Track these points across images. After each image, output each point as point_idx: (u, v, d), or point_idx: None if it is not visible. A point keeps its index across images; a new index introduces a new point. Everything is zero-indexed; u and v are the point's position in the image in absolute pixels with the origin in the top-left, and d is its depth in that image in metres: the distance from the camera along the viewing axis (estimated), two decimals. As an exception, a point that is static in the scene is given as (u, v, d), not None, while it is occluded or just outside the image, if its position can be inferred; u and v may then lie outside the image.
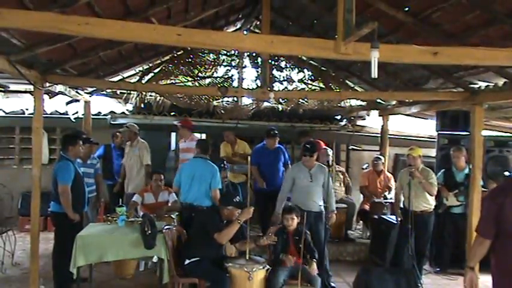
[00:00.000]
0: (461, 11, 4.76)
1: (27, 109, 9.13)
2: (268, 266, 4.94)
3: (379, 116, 9.31)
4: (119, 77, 8.48)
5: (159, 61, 8.99)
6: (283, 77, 9.54)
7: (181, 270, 4.99)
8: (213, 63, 9.51)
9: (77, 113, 8.97)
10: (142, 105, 9.41)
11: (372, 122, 10.14)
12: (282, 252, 5.27)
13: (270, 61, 8.46)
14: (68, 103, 8.55)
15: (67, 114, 9.03)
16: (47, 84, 5.90)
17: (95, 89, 8.15)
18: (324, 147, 7.58)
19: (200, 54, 9.37)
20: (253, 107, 9.57)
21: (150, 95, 9.18)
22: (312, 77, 9.61)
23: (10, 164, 9.39)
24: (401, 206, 6.69)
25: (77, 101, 8.30)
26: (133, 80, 8.86)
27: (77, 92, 7.53)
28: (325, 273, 5.89)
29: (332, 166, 7.50)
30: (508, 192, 3.28)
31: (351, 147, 10.29)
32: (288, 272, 5.07)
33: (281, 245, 5.33)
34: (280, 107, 9.60)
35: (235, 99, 9.42)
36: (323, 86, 9.45)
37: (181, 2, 6.06)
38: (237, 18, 8.85)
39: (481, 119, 6.19)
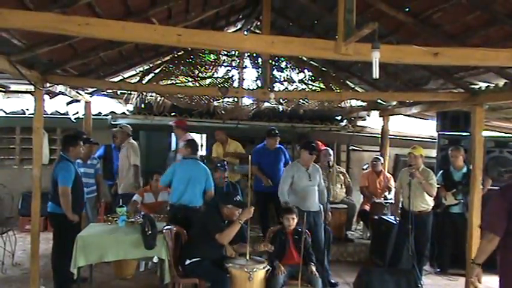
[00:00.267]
0: (461, 11, 4.76)
1: (27, 109, 9.14)
2: (268, 267, 4.95)
3: (380, 116, 9.32)
4: (120, 78, 8.48)
5: (159, 61, 8.98)
6: (284, 78, 9.53)
7: (181, 270, 5.00)
8: (213, 63, 9.49)
9: (77, 113, 8.98)
10: (142, 106, 9.42)
11: (373, 122, 10.14)
12: (280, 252, 5.28)
13: (270, 61, 8.45)
14: (68, 103, 8.55)
15: (67, 115, 9.04)
16: (48, 85, 5.91)
17: (95, 89, 8.14)
18: (325, 147, 7.59)
19: (201, 54, 9.37)
20: (254, 107, 9.57)
21: (151, 96, 9.17)
22: (313, 78, 9.59)
23: (11, 164, 9.40)
24: (401, 206, 6.71)
25: (78, 101, 8.30)
26: (134, 80, 8.86)
27: (77, 92, 7.53)
28: (325, 272, 5.90)
29: (333, 167, 7.53)
30: None
31: (351, 147, 10.30)
32: (288, 273, 5.07)
33: (279, 245, 5.33)
34: (280, 107, 9.59)
35: (235, 99, 9.41)
36: (323, 87, 9.44)
37: (181, 3, 6.06)
38: (237, 19, 8.84)
39: (481, 120, 6.19)
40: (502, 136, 8.90)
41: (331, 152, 7.66)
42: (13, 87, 7.28)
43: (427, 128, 9.96)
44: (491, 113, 7.31)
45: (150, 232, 4.89)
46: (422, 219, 6.35)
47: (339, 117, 10.27)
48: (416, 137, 10.14)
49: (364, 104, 9.51)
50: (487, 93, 6.12)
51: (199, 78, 9.37)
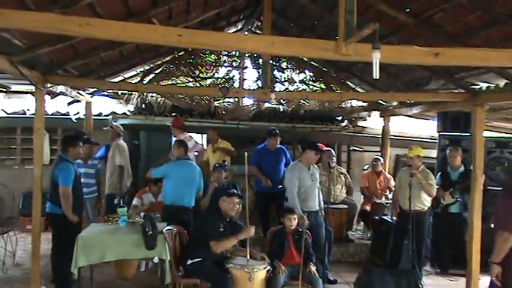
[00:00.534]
0: (462, 12, 4.76)
1: (28, 110, 9.15)
2: (269, 267, 4.95)
3: (380, 116, 9.32)
4: (120, 78, 8.48)
5: (160, 62, 9.00)
6: (284, 78, 9.54)
7: (182, 270, 5.00)
8: (214, 64, 9.51)
9: (78, 113, 8.99)
10: (143, 106, 9.42)
11: (373, 122, 10.14)
12: (280, 252, 5.28)
13: (271, 62, 8.46)
14: (69, 104, 8.55)
15: (68, 115, 9.05)
16: (48, 85, 5.91)
17: (96, 89, 8.16)
18: (328, 148, 7.58)
19: (201, 55, 9.38)
20: (255, 107, 9.57)
21: (151, 96, 9.18)
22: (313, 78, 9.61)
23: (11, 165, 9.41)
24: (398, 206, 6.70)
25: (78, 101, 8.31)
26: (135, 80, 8.86)
27: (78, 92, 7.55)
28: (325, 270, 5.92)
29: (333, 167, 7.53)
30: None
31: (352, 148, 10.29)
32: (289, 273, 5.08)
33: (279, 245, 5.34)
34: (281, 107, 9.60)
35: (236, 100, 9.41)
36: (324, 87, 9.46)
37: (182, 3, 6.06)
38: (238, 19, 8.85)
39: (482, 120, 6.18)
40: (502, 136, 8.90)
41: (333, 152, 7.65)
42: (14, 88, 7.28)
43: (428, 128, 9.96)
44: (492, 113, 7.30)
45: (150, 232, 4.90)
46: (419, 218, 6.33)
47: (340, 118, 10.26)
48: (417, 138, 10.14)
49: (364, 104, 9.52)
50: (488, 94, 6.11)
51: (200, 79, 9.38)
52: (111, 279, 6.17)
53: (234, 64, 9.61)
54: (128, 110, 9.54)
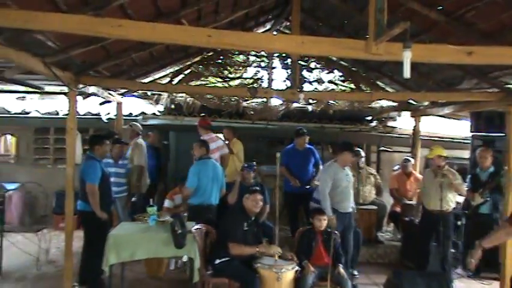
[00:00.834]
0: (496, 9, 4.64)
1: (61, 110, 9.32)
2: (297, 267, 4.93)
3: (411, 117, 9.18)
4: (150, 78, 8.57)
5: (189, 62, 9.07)
6: (313, 78, 9.50)
7: (211, 269, 5.03)
8: (242, 64, 9.54)
9: (109, 113, 9.13)
10: (172, 106, 9.51)
11: (403, 123, 10.00)
12: (308, 251, 5.26)
13: (299, 62, 8.42)
14: (100, 104, 8.70)
15: (99, 115, 9.19)
16: (81, 86, 6.02)
17: (126, 90, 8.27)
18: (357, 149, 7.51)
19: (230, 55, 9.42)
20: (283, 108, 9.55)
21: (181, 96, 9.26)
22: (342, 78, 9.54)
23: (45, 164, 9.60)
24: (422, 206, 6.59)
25: (109, 102, 8.44)
26: (164, 81, 8.95)
27: (109, 93, 7.67)
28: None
29: (363, 168, 7.46)
30: None
31: (381, 148, 10.17)
32: (317, 274, 5.05)
33: (307, 245, 5.31)
34: (309, 107, 9.56)
35: (264, 100, 9.41)
36: (353, 87, 9.37)
37: (211, 4, 6.10)
38: (266, 19, 8.85)
39: (517, 120, 6.04)
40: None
41: (363, 153, 7.56)
42: (47, 89, 7.43)
43: (460, 128, 9.75)
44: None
45: (180, 231, 4.93)
46: (444, 218, 6.20)
47: (369, 118, 10.16)
48: (449, 138, 9.95)
49: (394, 104, 9.40)
50: (523, 93, 5.97)
51: (228, 79, 9.43)
52: (141, 277, 6.25)
53: (263, 64, 9.62)
54: (158, 111, 9.64)
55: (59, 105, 9.45)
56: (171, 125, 9.48)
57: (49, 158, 9.61)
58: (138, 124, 7.88)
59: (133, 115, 9.45)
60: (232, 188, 6.48)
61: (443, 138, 9.92)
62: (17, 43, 4.27)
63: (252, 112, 9.46)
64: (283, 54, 9.31)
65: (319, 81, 9.50)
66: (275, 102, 9.64)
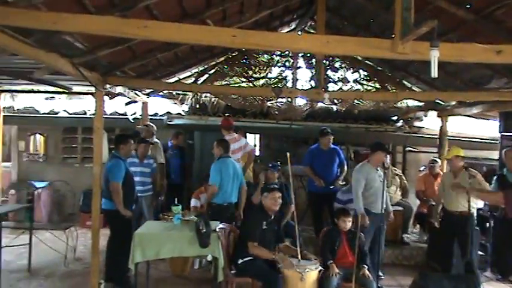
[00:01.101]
0: (526, 7, 4.55)
1: (88, 110, 9.48)
2: (320, 267, 4.90)
3: (438, 116, 9.03)
4: (175, 79, 8.64)
5: (214, 62, 9.10)
6: (338, 77, 9.43)
7: (234, 269, 5.04)
8: (267, 64, 9.53)
9: (135, 113, 9.24)
10: (197, 106, 9.57)
11: (430, 123, 9.85)
12: (332, 251, 5.23)
13: (324, 61, 8.38)
14: (127, 104, 8.81)
15: (126, 115, 9.30)
16: (107, 86, 6.11)
17: (152, 90, 8.36)
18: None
19: (254, 55, 9.42)
20: (308, 107, 9.52)
21: (205, 96, 9.32)
22: (368, 77, 9.45)
23: (73, 163, 9.77)
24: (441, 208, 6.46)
25: (135, 102, 8.54)
26: (189, 81, 9.01)
27: (135, 93, 7.76)
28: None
29: (388, 168, 7.36)
30: None
31: (407, 148, 10.04)
32: (342, 274, 5.01)
33: (331, 244, 5.28)
34: (334, 107, 9.50)
35: (289, 100, 9.39)
36: (379, 86, 9.27)
37: (236, 4, 6.11)
38: (291, 19, 8.82)
39: (547, 120, 5.89)
40: None
41: (387, 153, 7.47)
42: (75, 89, 7.56)
43: (489, 129, 9.56)
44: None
45: (204, 230, 4.95)
46: (463, 220, 6.04)
47: (395, 118, 10.04)
48: (477, 139, 9.75)
49: (421, 104, 9.26)
50: (555, 92, 5.82)
51: (253, 79, 9.42)
52: (166, 276, 6.30)
53: (287, 64, 9.59)
54: (183, 110, 9.73)
55: (86, 105, 9.61)
56: (196, 124, 9.54)
57: (76, 157, 9.77)
58: (153, 124, 7.97)
59: (158, 115, 9.54)
60: (256, 187, 6.49)
61: (471, 138, 9.73)
62: (47, 44, 4.34)
63: (276, 112, 9.46)
64: (308, 54, 9.27)
65: (344, 80, 9.42)
66: (299, 102, 9.62)
